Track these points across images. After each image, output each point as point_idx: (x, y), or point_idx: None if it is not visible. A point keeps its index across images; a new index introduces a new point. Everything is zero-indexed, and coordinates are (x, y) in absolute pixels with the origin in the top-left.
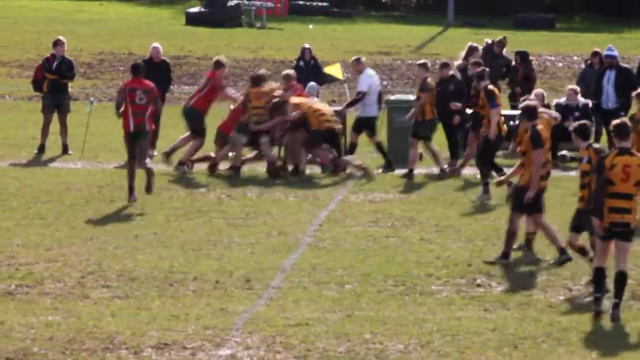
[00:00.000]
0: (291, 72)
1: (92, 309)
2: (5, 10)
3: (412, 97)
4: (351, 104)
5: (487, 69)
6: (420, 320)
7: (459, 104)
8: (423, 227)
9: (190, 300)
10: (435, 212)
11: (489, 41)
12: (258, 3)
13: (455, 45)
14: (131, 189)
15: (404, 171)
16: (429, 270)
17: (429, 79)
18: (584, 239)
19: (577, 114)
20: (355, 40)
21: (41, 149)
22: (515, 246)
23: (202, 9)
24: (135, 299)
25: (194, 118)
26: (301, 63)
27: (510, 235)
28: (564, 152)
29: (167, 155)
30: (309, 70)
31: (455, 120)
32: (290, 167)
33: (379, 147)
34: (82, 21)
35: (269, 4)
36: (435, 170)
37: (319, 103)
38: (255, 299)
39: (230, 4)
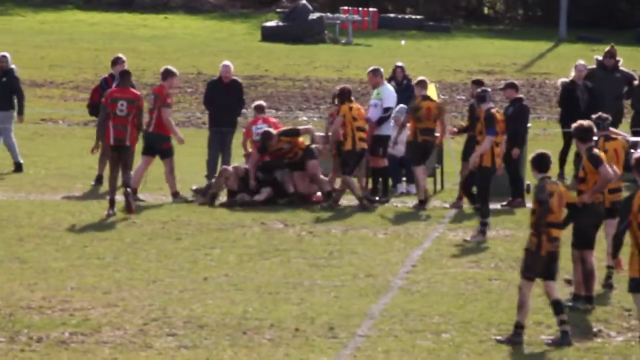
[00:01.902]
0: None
1: None
2: (60, 26)
3: None
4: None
5: (489, 90)
6: None
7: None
8: None
9: (267, 350)
10: None
11: (599, 57)
12: (343, 16)
13: (568, 63)
14: (112, 202)
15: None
16: (538, 317)
17: (418, 99)
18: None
19: None
20: (453, 58)
21: (99, 180)
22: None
23: (280, 23)
24: (205, 349)
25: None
26: (392, 83)
27: (587, 275)
28: None
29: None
30: (401, 91)
31: (515, 153)
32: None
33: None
34: (144, 37)
35: (356, 17)
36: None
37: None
38: (340, 348)
39: (311, 17)
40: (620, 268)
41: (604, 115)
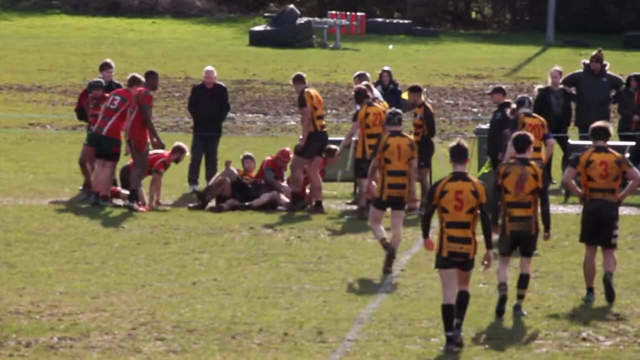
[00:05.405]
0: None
1: None
2: (47, 30)
3: None
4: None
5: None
6: None
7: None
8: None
9: (256, 354)
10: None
11: (586, 62)
12: (331, 20)
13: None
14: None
15: None
16: (527, 321)
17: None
18: None
19: None
20: (441, 62)
21: (87, 185)
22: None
23: (268, 28)
24: (193, 353)
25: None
26: (379, 88)
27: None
28: None
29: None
30: (388, 96)
31: (501, 157)
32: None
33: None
34: (132, 41)
35: (344, 22)
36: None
37: None
38: (328, 353)
39: (299, 21)
40: (431, 248)
41: (397, 110)
